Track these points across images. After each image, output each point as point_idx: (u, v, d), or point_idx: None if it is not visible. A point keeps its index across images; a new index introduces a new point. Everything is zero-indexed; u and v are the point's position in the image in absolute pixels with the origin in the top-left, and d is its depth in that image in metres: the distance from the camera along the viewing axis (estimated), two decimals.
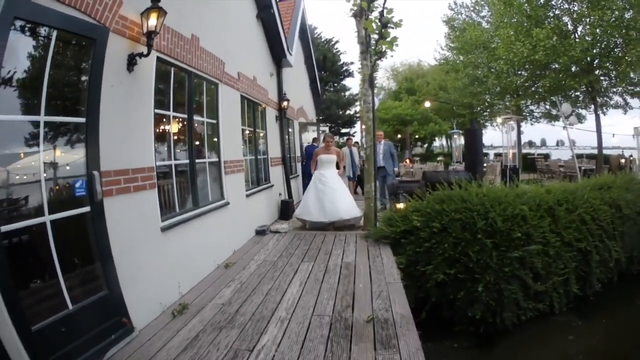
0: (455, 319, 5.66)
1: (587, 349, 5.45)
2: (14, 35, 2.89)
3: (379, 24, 6.37)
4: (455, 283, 5.61)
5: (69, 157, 3.47)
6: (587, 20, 19.57)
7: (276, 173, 10.90)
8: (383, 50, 6.96)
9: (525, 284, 5.68)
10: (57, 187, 3.40)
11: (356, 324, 3.84)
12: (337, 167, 9.24)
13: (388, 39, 6.61)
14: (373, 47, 7.19)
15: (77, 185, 3.43)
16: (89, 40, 3.60)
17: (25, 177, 3.11)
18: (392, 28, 6.42)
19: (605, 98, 23.07)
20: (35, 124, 3.09)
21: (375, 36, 6.87)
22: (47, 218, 3.05)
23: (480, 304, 5.46)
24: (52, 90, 3.22)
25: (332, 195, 8.61)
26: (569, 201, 6.83)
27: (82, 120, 3.47)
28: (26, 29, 3.05)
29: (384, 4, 5.91)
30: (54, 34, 3.19)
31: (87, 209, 3.45)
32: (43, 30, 3.16)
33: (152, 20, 4.07)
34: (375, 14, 6.40)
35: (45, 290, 3.15)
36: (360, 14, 7.16)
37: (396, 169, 11.66)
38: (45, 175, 3.15)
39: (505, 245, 5.65)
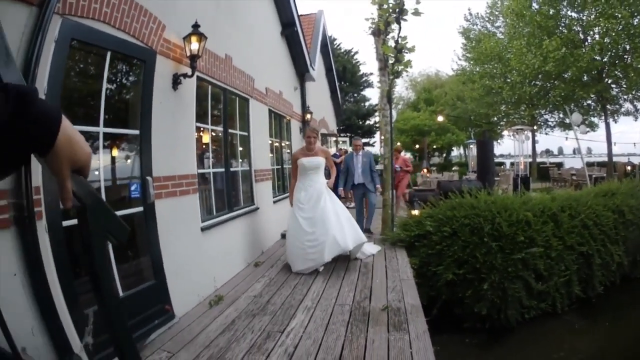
0: (464, 315, 5.94)
1: (589, 348, 5.64)
2: (73, 55, 3.30)
3: (394, 49, 6.76)
4: (464, 282, 5.90)
5: (126, 164, 3.93)
6: (596, 29, 19.62)
7: None
8: (399, 70, 7.36)
9: (528, 283, 5.93)
10: (116, 189, 3.85)
11: (373, 311, 4.20)
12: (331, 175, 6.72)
13: (403, 62, 6.98)
14: (390, 68, 7.55)
15: (133, 188, 3.86)
16: (139, 62, 4.02)
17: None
18: (407, 52, 6.80)
19: (616, 105, 23.04)
20: (96, 134, 3.47)
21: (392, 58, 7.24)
22: None
23: (486, 301, 5.74)
24: (109, 106, 3.62)
25: (326, 220, 5.92)
26: (572, 207, 7.02)
27: (137, 132, 3.90)
28: (84, 49, 3.46)
29: (398, 33, 6.31)
30: (108, 55, 3.56)
31: (140, 209, 3.86)
32: (99, 51, 3.54)
33: (195, 45, 4.50)
34: (391, 36, 6.77)
35: None
36: (378, 33, 7.50)
37: (378, 185, 8.48)
38: (104, 178, 3.57)
39: (509, 248, 5.92)
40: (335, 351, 3.37)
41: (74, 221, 3.10)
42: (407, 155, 28.37)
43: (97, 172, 3.48)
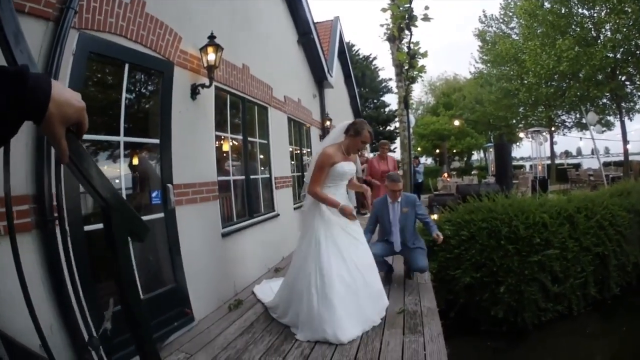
0: (481, 319, 5.85)
1: (605, 351, 5.51)
2: (92, 67, 3.39)
3: (407, 55, 6.77)
4: (481, 286, 5.81)
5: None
6: (607, 26, 19.52)
7: None
8: (414, 76, 7.33)
9: (544, 286, 5.80)
10: (137, 196, 3.93)
11: (389, 315, 4.15)
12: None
13: (417, 67, 6.99)
14: (405, 74, 7.52)
15: (154, 195, 3.93)
16: (157, 73, 4.09)
17: None
18: (420, 58, 6.81)
19: (630, 103, 22.88)
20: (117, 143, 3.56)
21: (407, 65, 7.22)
22: None
23: (502, 305, 5.65)
24: (129, 116, 3.70)
25: (368, 270, 4.04)
26: (588, 208, 6.83)
27: (157, 141, 3.98)
28: (102, 61, 3.53)
29: (409, 39, 6.32)
30: (126, 67, 3.62)
31: (161, 215, 3.93)
32: (117, 64, 3.61)
33: (211, 56, 4.54)
34: (405, 42, 6.77)
35: None
36: (393, 39, 7.46)
37: (438, 233, 5.17)
38: (125, 185, 3.65)
39: (526, 251, 5.79)
40: (350, 353, 3.37)
41: (95, 226, 3.20)
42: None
43: (117, 181, 3.54)
